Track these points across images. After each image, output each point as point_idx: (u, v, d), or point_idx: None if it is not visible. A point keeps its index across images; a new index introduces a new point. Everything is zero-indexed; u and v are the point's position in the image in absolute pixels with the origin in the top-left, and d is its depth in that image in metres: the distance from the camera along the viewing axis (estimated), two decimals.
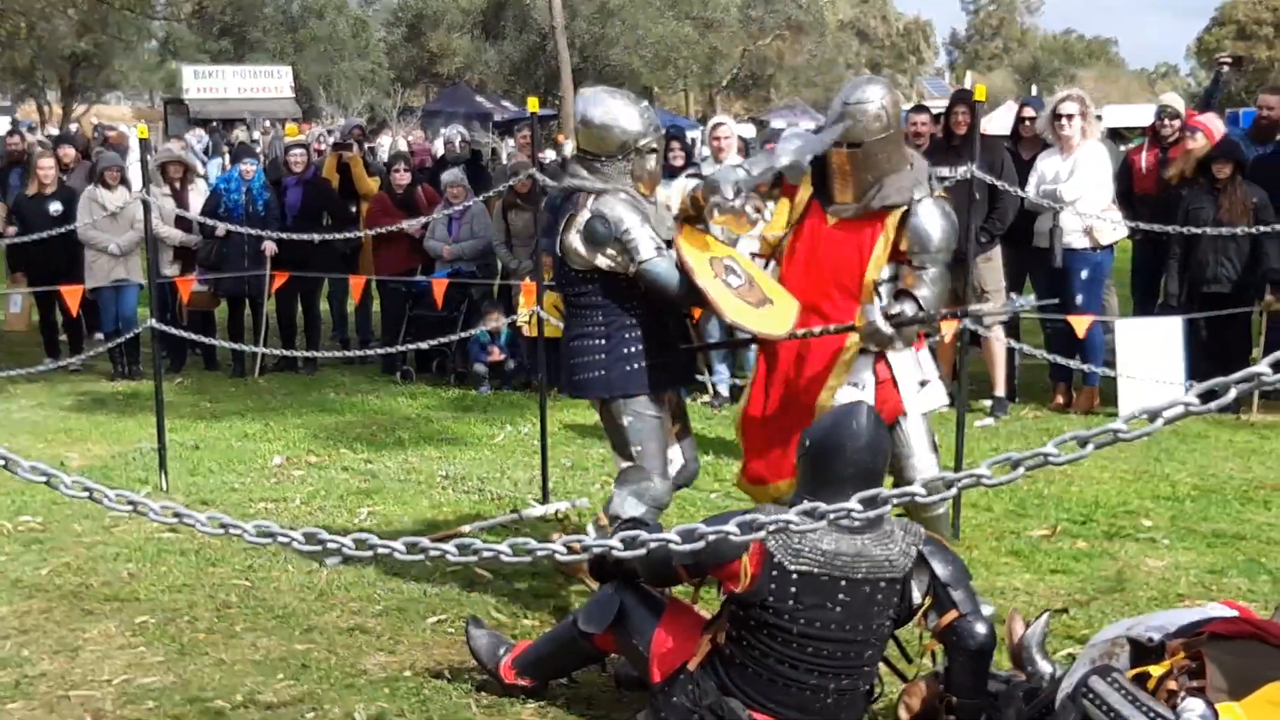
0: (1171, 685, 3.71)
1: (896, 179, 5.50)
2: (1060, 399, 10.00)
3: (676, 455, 5.77)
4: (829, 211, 5.66)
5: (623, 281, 5.42)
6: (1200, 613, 4.09)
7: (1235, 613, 4.04)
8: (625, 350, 5.45)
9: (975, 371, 9.73)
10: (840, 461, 4.27)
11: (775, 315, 5.50)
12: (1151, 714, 3.60)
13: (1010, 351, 9.54)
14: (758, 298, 5.49)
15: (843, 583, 4.17)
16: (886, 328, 5.35)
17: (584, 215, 5.35)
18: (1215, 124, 10.15)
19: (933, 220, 5.49)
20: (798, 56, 57.85)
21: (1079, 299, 9.60)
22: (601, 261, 5.35)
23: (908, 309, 5.42)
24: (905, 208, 5.49)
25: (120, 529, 7.01)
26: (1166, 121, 10.20)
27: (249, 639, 5.54)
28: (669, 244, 5.41)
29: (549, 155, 20.26)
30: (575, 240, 5.38)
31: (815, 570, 4.14)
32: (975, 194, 7.14)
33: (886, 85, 5.71)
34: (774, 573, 4.14)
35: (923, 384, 5.73)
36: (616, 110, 5.42)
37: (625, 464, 5.55)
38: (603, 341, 5.47)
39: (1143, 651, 3.91)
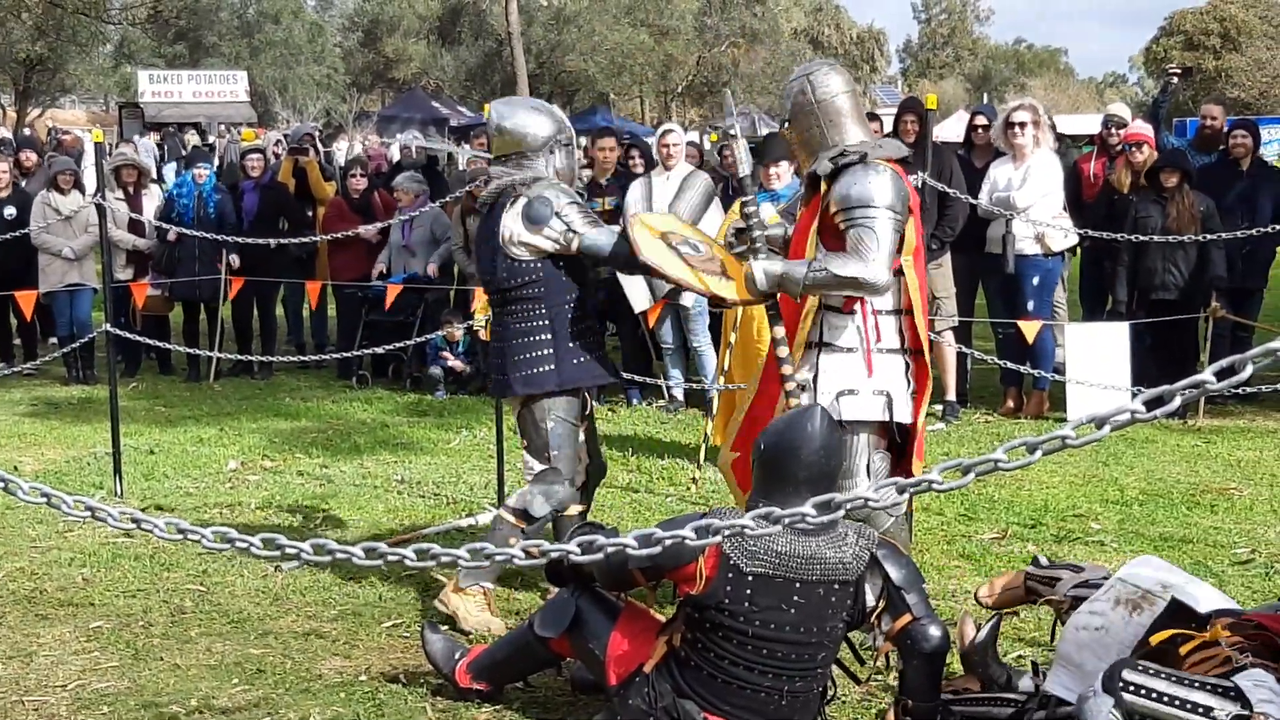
0: (1224, 654, 3.68)
1: (826, 154, 5.31)
2: (1011, 403, 10.11)
3: (582, 453, 5.91)
4: (803, 201, 5.65)
5: (562, 270, 5.57)
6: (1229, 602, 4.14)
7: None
8: (570, 343, 5.60)
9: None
10: (794, 464, 4.29)
11: (731, 287, 5.51)
12: (1207, 686, 3.53)
13: (962, 356, 9.64)
14: (715, 269, 5.53)
15: (797, 585, 4.20)
16: (761, 280, 5.20)
17: (521, 202, 5.52)
18: (1146, 130, 10.33)
19: (847, 176, 5.19)
20: (752, 64, 57.97)
21: (1030, 304, 9.72)
22: (544, 242, 5.50)
23: (771, 267, 5.22)
24: (830, 176, 5.26)
25: (75, 534, 6.98)
26: (1113, 130, 10.35)
27: (204, 644, 5.54)
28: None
29: None
30: (517, 225, 5.51)
31: (770, 572, 4.18)
32: (925, 201, 7.18)
33: (824, 64, 5.60)
34: (729, 575, 4.17)
35: (847, 392, 5.25)
36: (527, 117, 5.70)
37: (540, 466, 5.65)
38: (548, 336, 5.58)
39: (1184, 616, 3.88)
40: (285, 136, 20.28)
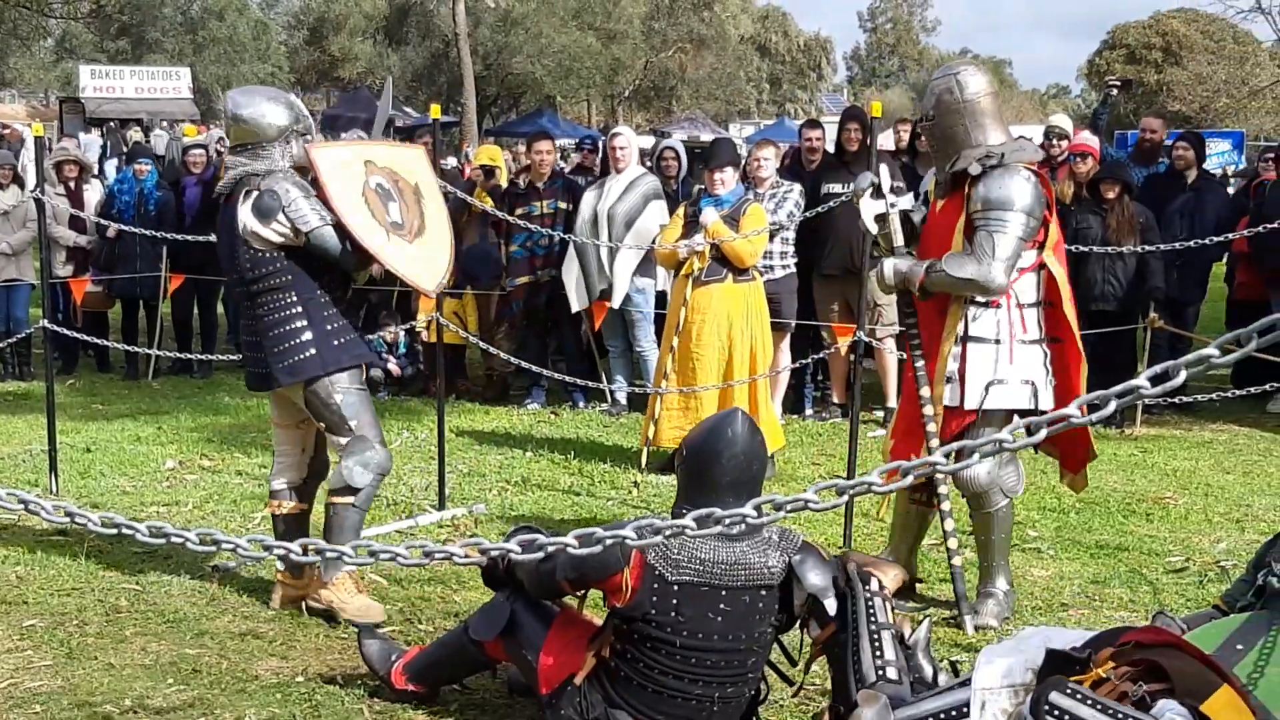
0: (1124, 688, 3.68)
1: (972, 152, 5.62)
2: None
3: (309, 445, 5.99)
4: (935, 195, 5.90)
5: (304, 257, 5.62)
6: (1072, 634, 4.09)
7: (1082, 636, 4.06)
8: (328, 326, 5.67)
9: (869, 383, 9.88)
10: (717, 469, 4.28)
11: (429, 262, 5.82)
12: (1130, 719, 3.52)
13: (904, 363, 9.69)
14: (415, 229, 5.80)
15: (723, 592, 4.20)
16: (889, 276, 5.66)
17: (255, 194, 5.57)
18: (1093, 141, 10.45)
19: (989, 179, 5.53)
20: (699, 69, 58.17)
21: None
22: (273, 235, 5.55)
23: (901, 264, 5.65)
24: (975, 177, 5.58)
25: (9, 532, 6.90)
26: (1055, 142, 10.47)
27: (139, 643, 5.49)
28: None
29: (450, 162, 20.22)
30: (249, 218, 5.56)
31: (695, 580, 4.17)
32: None
33: (970, 65, 6.03)
34: (655, 585, 4.17)
35: (996, 382, 5.61)
36: (264, 106, 5.73)
37: (345, 439, 5.70)
38: (304, 322, 5.62)
39: (1065, 661, 3.85)
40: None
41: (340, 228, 5.54)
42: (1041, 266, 5.68)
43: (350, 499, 5.68)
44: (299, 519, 5.98)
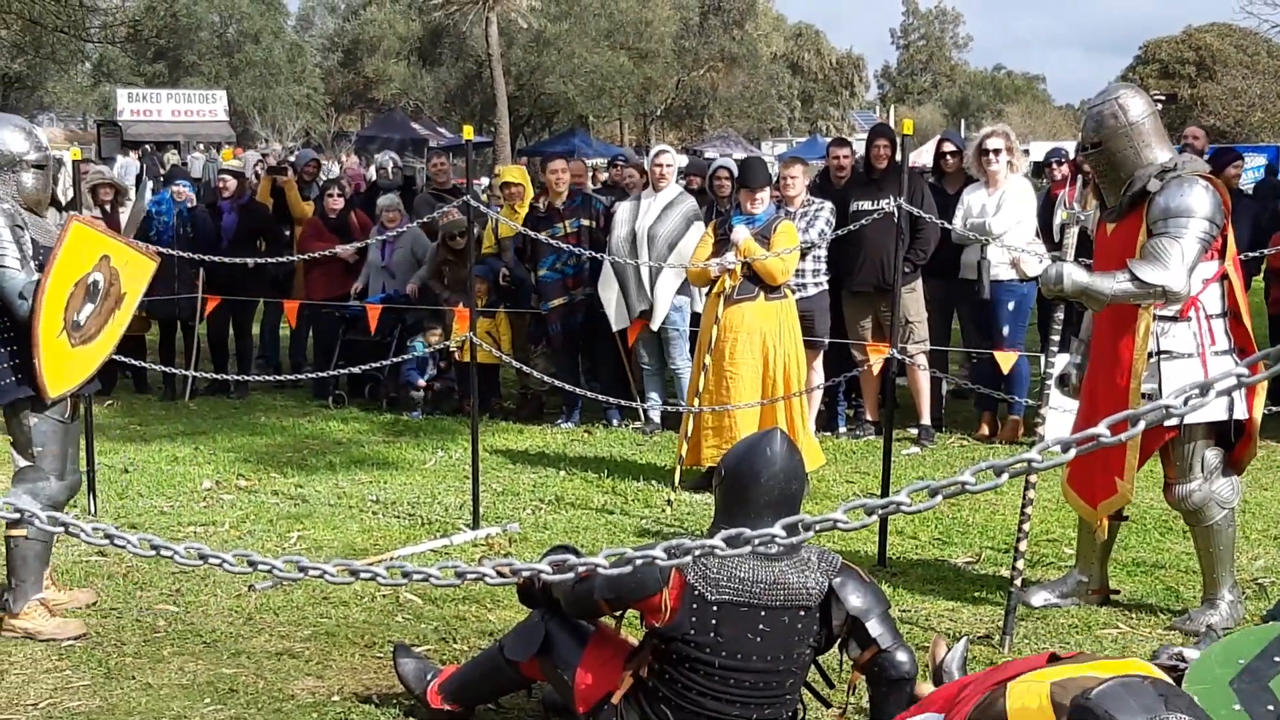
0: None
1: (1146, 171, 5.66)
2: (985, 429, 10.14)
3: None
4: (1104, 219, 5.94)
5: None
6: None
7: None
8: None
9: (901, 400, 9.87)
10: (756, 489, 4.28)
11: (69, 372, 5.79)
12: None
13: (936, 381, 9.68)
14: (87, 337, 5.86)
15: (762, 611, 4.20)
16: (1068, 285, 5.52)
17: None
18: None
19: (1168, 190, 5.55)
20: (731, 88, 58.28)
21: (1005, 330, 9.76)
22: None
23: (1077, 274, 5.53)
24: (1153, 194, 5.61)
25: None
26: (1054, 166, 10.68)
27: (176, 663, 5.53)
28: None
29: (483, 182, 20.33)
30: None
31: (734, 599, 4.18)
32: (901, 225, 7.23)
33: (1128, 87, 6.05)
34: (694, 605, 4.17)
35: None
36: (1, 132, 5.82)
37: (24, 463, 5.80)
38: (14, 348, 5.67)
39: None
40: (290, 152, 20.20)
41: (37, 289, 5.56)
42: (1224, 276, 5.74)
43: (23, 530, 5.71)
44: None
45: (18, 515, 2.76)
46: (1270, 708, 3.64)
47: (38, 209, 5.92)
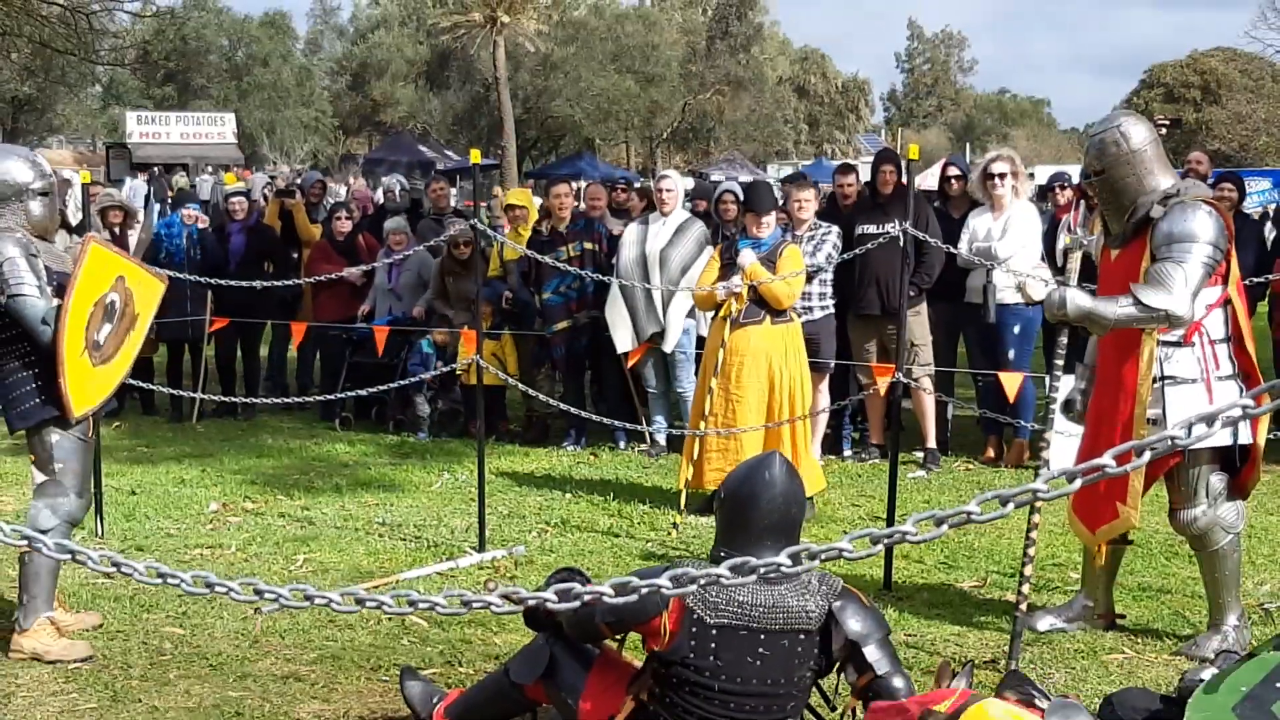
0: None
1: (1149, 198, 5.68)
2: (991, 452, 10.14)
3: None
4: (1109, 245, 5.97)
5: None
6: None
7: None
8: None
9: (907, 424, 9.86)
10: (755, 512, 4.29)
11: (92, 392, 5.86)
12: None
13: (942, 405, 9.68)
14: (106, 356, 5.92)
15: (762, 635, 4.20)
16: (1072, 310, 5.50)
17: None
18: None
19: (1171, 216, 5.57)
20: (737, 111, 58.39)
21: (1011, 353, 9.77)
22: None
23: (1081, 299, 5.52)
24: (1156, 219, 5.63)
25: None
26: (1057, 190, 10.71)
27: (182, 686, 5.53)
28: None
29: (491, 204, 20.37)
30: None
31: (733, 623, 4.17)
32: (907, 250, 7.25)
33: (1128, 115, 6.06)
34: (693, 629, 4.17)
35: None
36: (6, 163, 5.88)
37: (44, 478, 5.87)
38: (37, 370, 5.74)
39: None
40: (297, 174, 20.27)
41: (59, 312, 5.62)
42: (1227, 301, 5.75)
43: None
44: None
45: (25, 543, 2.77)
46: None
47: (46, 235, 5.99)
